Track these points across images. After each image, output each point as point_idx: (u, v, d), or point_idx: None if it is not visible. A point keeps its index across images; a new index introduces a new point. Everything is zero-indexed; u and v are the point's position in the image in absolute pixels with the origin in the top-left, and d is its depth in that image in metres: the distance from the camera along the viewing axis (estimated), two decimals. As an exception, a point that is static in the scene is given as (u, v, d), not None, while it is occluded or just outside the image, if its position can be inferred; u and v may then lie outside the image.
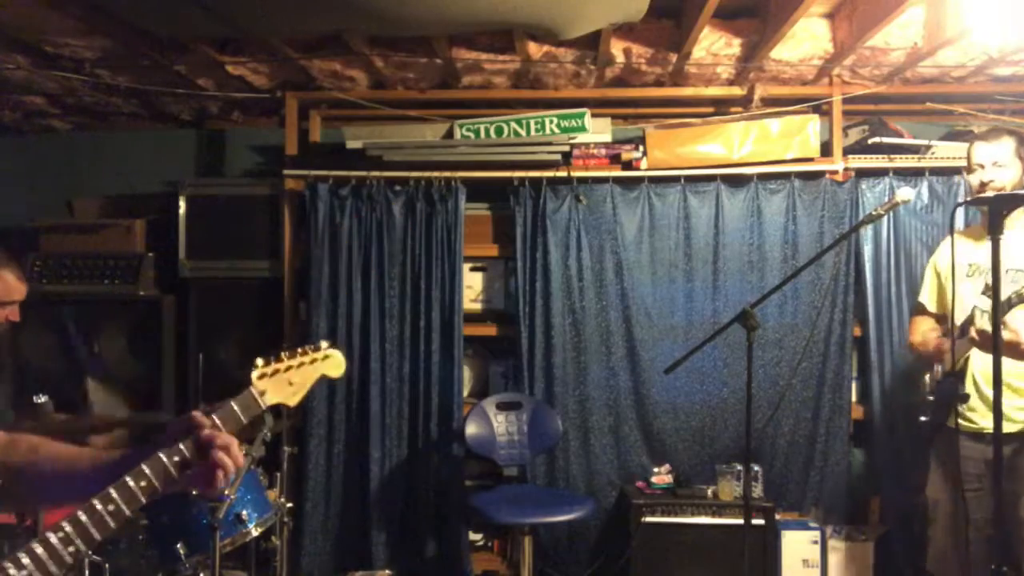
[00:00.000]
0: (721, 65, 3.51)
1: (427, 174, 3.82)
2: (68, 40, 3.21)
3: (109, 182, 4.39)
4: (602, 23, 3.03)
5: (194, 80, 3.71)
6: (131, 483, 1.20)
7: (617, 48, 3.37)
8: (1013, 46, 3.24)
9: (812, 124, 3.74)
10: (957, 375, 2.65)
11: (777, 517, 3.52)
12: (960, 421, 2.72)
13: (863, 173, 3.79)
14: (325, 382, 1.88)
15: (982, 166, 2.71)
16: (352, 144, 3.90)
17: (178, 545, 2.61)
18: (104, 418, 3.34)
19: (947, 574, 2.83)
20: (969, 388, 2.68)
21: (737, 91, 3.78)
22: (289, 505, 3.18)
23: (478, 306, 3.96)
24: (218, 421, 1.29)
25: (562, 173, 3.81)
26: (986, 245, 2.11)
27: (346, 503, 3.82)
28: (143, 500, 1.21)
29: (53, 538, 1.14)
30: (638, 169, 3.81)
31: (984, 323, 2.48)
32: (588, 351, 3.81)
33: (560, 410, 3.76)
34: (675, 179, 3.81)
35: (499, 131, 3.87)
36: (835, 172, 3.79)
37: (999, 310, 2.11)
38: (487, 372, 4.04)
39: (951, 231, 2.47)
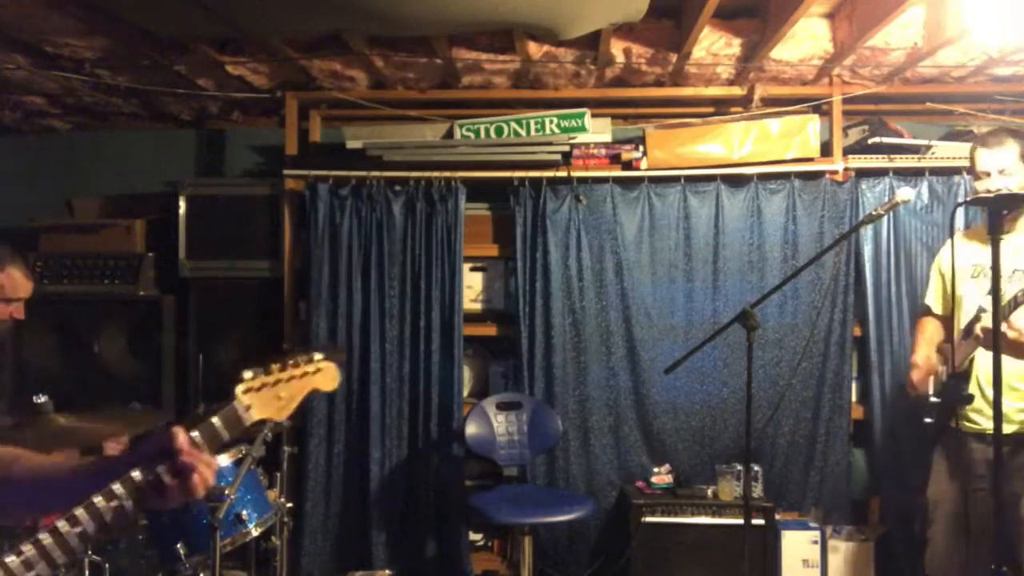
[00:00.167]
0: (721, 65, 3.51)
1: (427, 174, 3.82)
2: (68, 40, 3.21)
3: (109, 182, 4.39)
4: (602, 23, 3.03)
5: (194, 80, 3.71)
6: (100, 503, 1.16)
7: (617, 48, 3.37)
8: (1013, 46, 3.24)
9: (812, 124, 3.74)
10: (961, 376, 2.64)
11: (777, 517, 3.52)
12: (963, 422, 2.72)
13: (863, 173, 3.79)
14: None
15: (988, 174, 2.68)
16: (352, 144, 3.90)
17: (178, 545, 2.60)
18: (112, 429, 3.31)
19: (945, 574, 2.83)
20: (973, 389, 2.66)
21: (737, 91, 3.78)
22: (289, 505, 3.17)
23: (478, 306, 3.96)
24: (200, 441, 1.24)
25: (562, 173, 3.81)
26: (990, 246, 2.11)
27: (346, 503, 3.82)
28: (109, 521, 1.17)
29: (14, 564, 1.11)
30: (638, 169, 3.81)
31: (990, 323, 2.47)
32: (588, 351, 3.81)
33: (560, 410, 3.76)
34: (675, 179, 3.81)
35: (499, 131, 3.87)
36: (835, 172, 3.78)
37: (1000, 309, 2.11)
38: (487, 372, 4.04)
39: (951, 231, 2.47)
